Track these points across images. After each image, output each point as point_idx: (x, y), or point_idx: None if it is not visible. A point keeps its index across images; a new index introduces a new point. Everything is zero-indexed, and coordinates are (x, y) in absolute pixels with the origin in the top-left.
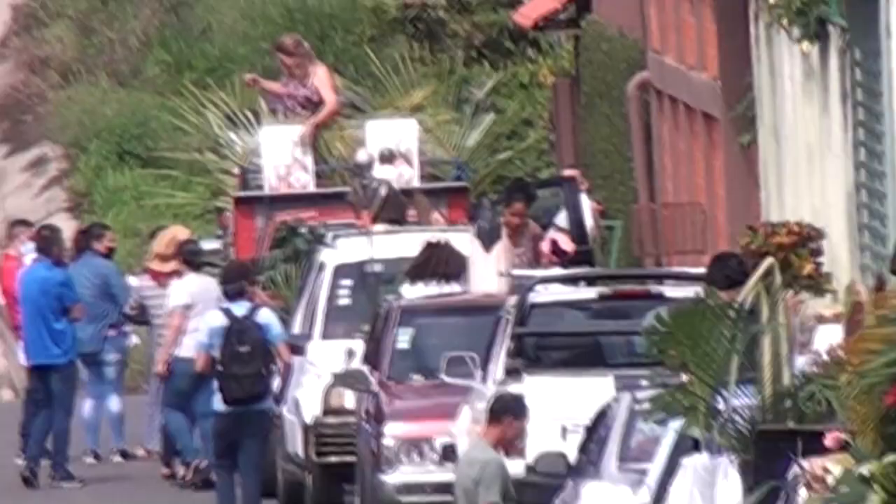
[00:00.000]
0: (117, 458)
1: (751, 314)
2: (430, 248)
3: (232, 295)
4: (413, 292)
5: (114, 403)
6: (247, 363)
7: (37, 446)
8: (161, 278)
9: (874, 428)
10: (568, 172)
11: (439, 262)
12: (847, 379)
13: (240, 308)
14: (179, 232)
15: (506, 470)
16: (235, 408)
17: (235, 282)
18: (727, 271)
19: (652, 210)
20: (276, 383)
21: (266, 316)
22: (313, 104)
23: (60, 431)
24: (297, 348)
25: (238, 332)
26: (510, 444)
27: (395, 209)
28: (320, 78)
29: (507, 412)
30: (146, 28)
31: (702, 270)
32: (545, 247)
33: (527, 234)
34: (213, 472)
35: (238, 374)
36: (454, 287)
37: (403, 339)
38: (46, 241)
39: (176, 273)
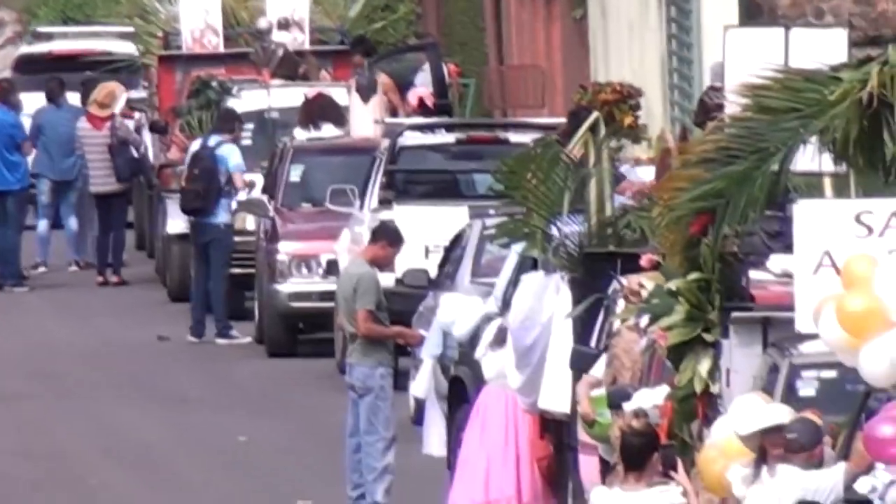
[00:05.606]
0: (73, 268)
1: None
2: (309, 100)
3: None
4: (303, 135)
5: (73, 223)
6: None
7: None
8: (97, 122)
9: (680, 251)
10: (412, 42)
11: (319, 111)
12: (658, 211)
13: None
14: (117, 87)
15: (378, 282)
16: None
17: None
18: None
19: (500, 71)
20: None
21: (225, 149)
22: None
23: (13, 245)
24: None
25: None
26: (382, 264)
27: (289, 67)
28: None
29: (383, 237)
30: None
31: (541, 120)
32: (413, 100)
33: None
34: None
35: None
36: (335, 130)
37: (295, 173)
38: (4, 91)
39: (110, 118)
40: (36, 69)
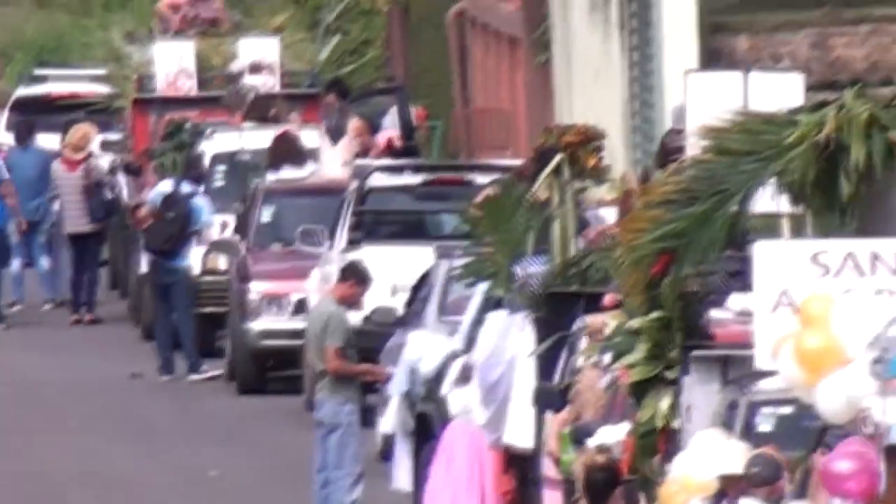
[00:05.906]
0: (47, 307)
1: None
2: (276, 141)
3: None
4: (274, 177)
5: (44, 262)
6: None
7: None
8: (72, 164)
9: (642, 291)
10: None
11: (286, 152)
12: (621, 251)
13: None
14: (91, 130)
15: (347, 320)
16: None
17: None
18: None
19: (466, 115)
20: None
21: (200, 201)
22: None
23: None
24: None
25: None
26: (350, 302)
27: (260, 110)
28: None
29: (352, 276)
30: None
31: (505, 162)
32: (381, 142)
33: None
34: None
35: (157, 231)
36: (303, 171)
37: (266, 214)
38: None
39: (84, 160)
40: (31, 111)
